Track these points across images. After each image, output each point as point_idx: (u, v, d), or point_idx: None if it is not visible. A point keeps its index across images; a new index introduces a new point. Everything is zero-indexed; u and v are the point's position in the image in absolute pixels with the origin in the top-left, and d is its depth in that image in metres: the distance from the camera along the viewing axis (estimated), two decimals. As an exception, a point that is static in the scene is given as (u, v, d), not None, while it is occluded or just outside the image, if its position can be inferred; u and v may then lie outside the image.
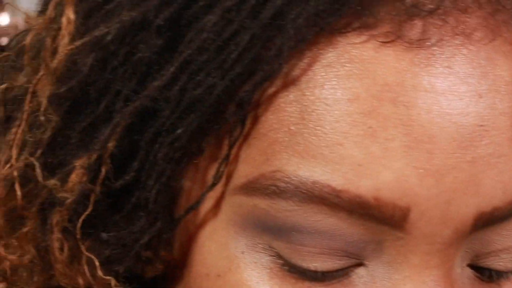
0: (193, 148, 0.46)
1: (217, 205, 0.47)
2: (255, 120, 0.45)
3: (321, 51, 0.43)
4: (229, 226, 0.47)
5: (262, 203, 0.45)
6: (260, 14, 0.43)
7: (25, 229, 0.49)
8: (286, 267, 0.45)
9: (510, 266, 0.47)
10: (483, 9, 0.44)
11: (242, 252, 0.46)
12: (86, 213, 0.46)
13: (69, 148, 0.47)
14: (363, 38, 0.43)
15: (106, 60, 0.45)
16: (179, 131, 0.45)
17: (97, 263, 0.47)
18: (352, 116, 0.43)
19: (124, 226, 0.47)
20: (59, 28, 0.46)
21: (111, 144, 0.45)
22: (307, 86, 0.44)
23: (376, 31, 0.43)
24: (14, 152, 0.48)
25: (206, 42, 0.44)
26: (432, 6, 0.43)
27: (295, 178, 0.43)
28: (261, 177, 0.44)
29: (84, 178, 0.46)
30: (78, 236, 0.47)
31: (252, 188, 0.45)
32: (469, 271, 0.47)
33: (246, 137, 0.45)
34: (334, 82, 0.43)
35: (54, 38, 0.47)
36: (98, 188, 0.46)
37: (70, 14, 0.46)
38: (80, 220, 0.46)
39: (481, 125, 0.43)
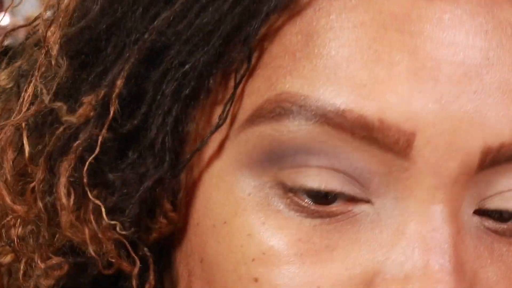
0: (200, 87, 0.46)
1: (221, 149, 0.47)
2: (261, 54, 0.45)
3: None
4: (235, 170, 0.46)
5: (267, 129, 0.44)
6: None
7: (32, 184, 0.48)
8: (293, 206, 0.45)
9: None
10: None
11: (249, 194, 0.45)
12: (94, 155, 0.46)
13: (80, 91, 0.47)
14: None
15: None
16: (187, 67, 0.45)
17: (103, 209, 0.46)
18: (357, 41, 0.43)
19: (130, 170, 0.46)
20: None
21: (119, 82, 0.46)
22: (313, 16, 0.44)
23: None
24: (25, 102, 0.48)
25: None
26: None
27: (299, 98, 0.43)
28: (266, 102, 0.44)
29: (91, 114, 0.46)
30: (85, 181, 0.46)
31: (258, 115, 0.45)
32: (476, 220, 0.45)
33: (251, 72, 0.45)
34: (340, 12, 0.44)
35: None
36: (105, 131, 0.46)
37: None
38: (87, 163, 0.46)
39: (487, 59, 0.43)
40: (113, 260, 0.47)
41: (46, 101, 0.47)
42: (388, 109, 0.42)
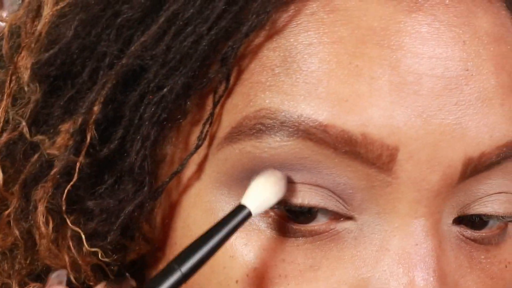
0: (178, 109, 0.46)
1: (200, 169, 0.46)
2: (238, 71, 0.45)
3: (305, 2, 0.44)
4: (214, 189, 0.46)
5: (247, 146, 0.44)
6: None
7: (7, 212, 0.47)
8: (275, 225, 0.45)
9: (497, 208, 0.46)
10: None
11: None
12: (72, 183, 0.45)
13: (54, 117, 0.46)
14: None
15: (90, 22, 0.45)
16: (165, 90, 0.45)
17: (83, 237, 0.46)
18: (337, 56, 0.43)
19: (109, 195, 0.46)
20: (41, 3, 0.47)
21: (96, 108, 0.45)
22: (291, 33, 0.44)
23: None
24: None
25: None
26: None
27: (280, 113, 0.43)
28: (245, 119, 0.44)
29: (70, 142, 0.45)
30: (64, 208, 0.46)
31: (237, 132, 0.44)
32: (455, 230, 0.46)
33: (230, 91, 0.45)
34: (318, 28, 0.44)
35: (36, 10, 0.47)
36: (82, 157, 0.45)
37: None
38: (66, 191, 0.45)
39: (466, 70, 0.44)
40: (91, 284, 0.47)
41: (26, 134, 0.46)
42: (371, 124, 0.42)
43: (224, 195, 0.46)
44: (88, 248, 0.46)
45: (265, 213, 0.45)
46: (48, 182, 0.46)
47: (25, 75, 0.47)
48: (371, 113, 0.42)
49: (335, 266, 0.44)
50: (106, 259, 0.46)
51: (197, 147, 0.45)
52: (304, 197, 0.44)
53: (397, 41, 0.43)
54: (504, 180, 0.46)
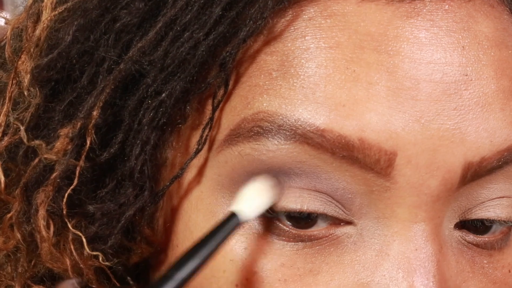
0: (177, 113, 0.46)
1: (201, 173, 0.46)
2: (236, 74, 0.45)
3: (302, 8, 0.44)
4: (215, 192, 0.46)
5: (246, 148, 0.44)
6: None
7: (9, 215, 0.48)
8: (274, 230, 0.45)
9: (500, 212, 0.46)
10: None
11: None
12: (72, 187, 0.46)
13: (54, 121, 0.47)
14: None
15: (89, 27, 0.46)
16: (163, 95, 0.45)
17: (84, 240, 0.46)
18: (334, 61, 0.43)
19: (110, 199, 0.46)
20: (40, 8, 0.47)
21: (95, 113, 0.45)
22: (288, 37, 0.44)
23: None
24: None
25: (190, 1, 0.44)
26: None
27: (278, 117, 0.43)
28: (243, 121, 0.44)
29: (69, 147, 0.45)
30: (64, 212, 0.46)
31: (236, 135, 0.44)
32: (457, 235, 0.46)
33: (228, 94, 0.45)
34: (315, 33, 0.44)
35: (37, 15, 0.47)
36: (82, 161, 0.46)
37: None
38: (66, 195, 0.46)
39: (466, 75, 0.43)
40: (93, 287, 0.48)
41: (24, 138, 0.46)
42: (368, 129, 0.42)
43: (225, 198, 0.46)
44: (89, 252, 0.46)
45: (265, 217, 0.45)
46: (49, 186, 0.46)
47: (25, 79, 0.47)
48: (369, 118, 0.42)
49: (334, 271, 0.44)
50: (108, 263, 0.47)
51: (197, 151, 0.46)
52: (303, 203, 0.44)
53: (395, 47, 0.43)
54: (506, 184, 0.45)
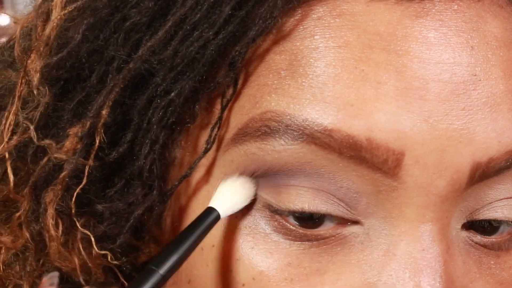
0: (186, 113, 0.46)
1: (209, 172, 0.47)
2: (245, 74, 0.45)
3: (312, 7, 0.44)
4: None
5: (252, 148, 0.44)
6: None
7: (18, 214, 0.48)
8: (281, 229, 0.45)
9: (507, 213, 0.46)
10: None
11: (236, 217, 0.45)
12: (81, 186, 0.46)
13: (63, 120, 0.47)
14: None
15: (98, 26, 0.46)
16: (172, 94, 0.45)
17: (92, 239, 0.46)
18: (343, 61, 0.43)
19: (119, 198, 0.46)
20: (50, 7, 0.47)
21: (105, 112, 0.45)
22: (297, 37, 0.44)
23: None
24: (7, 131, 0.47)
25: (199, 0, 0.45)
26: None
27: (285, 117, 0.43)
28: (251, 120, 0.44)
29: (78, 146, 0.45)
30: (73, 211, 0.46)
31: (243, 134, 0.44)
32: (464, 235, 0.46)
33: (237, 93, 0.45)
34: (324, 32, 0.44)
35: (47, 14, 0.47)
36: (91, 161, 0.46)
37: None
38: (75, 194, 0.46)
39: (474, 75, 0.43)
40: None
41: (34, 138, 0.46)
42: (376, 129, 0.42)
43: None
44: (98, 251, 0.46)
45: (271, 217, 0.45)
46: (58, 185, 0.46)
47: (35, 78, 0.47)
48: (377, 118, 0.42)
49: (341, 270, 0.44)
50: (116, 262, 0.47)
51: (206, 151, 0.46)
52: (307, 203, 0.44)
53: (404, 46, 0.43)
54: None
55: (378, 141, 0.42)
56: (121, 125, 0.46)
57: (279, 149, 0.43)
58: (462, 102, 0.43)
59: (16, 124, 0.48)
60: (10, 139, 0.48)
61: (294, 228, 0.45)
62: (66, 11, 0.46)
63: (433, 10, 0.44)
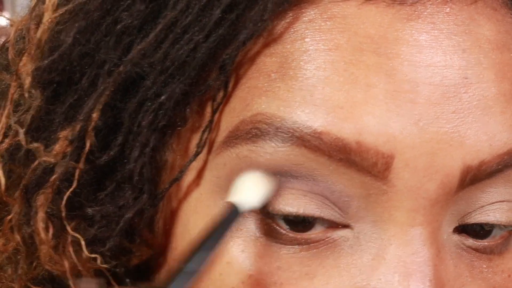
0: (177, 116, 0.46)
1: (200, 175, 0.46)
2: (236, 76, 0.45)
3: (303, 10, 0.44)
4: (214, 194, 0.46)
5: (244, 150, 0.44)
6: None
7: (9, 217, 0.48)
8: (271, 233, 0.45)
9: (499, 217, 0.45)
10: None
11: None
12: (71, 189, 0.46)
13: (55, 123, 0.47)
14: None
15: (90, 29, 0.46)
16: (163, 97, 0.45)
17: (82, 243, 0.46)
18: (333, 63, 0.43)
19: (109, 202, 0.46)
20: (42, 10, 0.48)
21: (95, 115, 0.45)
22: (288, 39, 0.44)
23: None
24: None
25: (190, 4, 0.45)
26: None
27: (276, 119, 0.43)
28: (242, 123, 0.44)
29: (68, 149, 0.45)
30: (64, 215, 0.46)
31: (234, 136, 0.44)
32: (456, 239, 0.45)
33: (228, 95, 0.45)
34: (315, 35, 0.44)
35: (40, 16, 0.47)
36: (82, 164, 0.46)
37: None
38: (65, 197, 0.46)
39: (466, 78, 0.43)
40: None
41: (22, 141, 0.46)
42: (366, 132, 0.42)
43: (224, 200, 0.45)
44: (88, 254, 0.46)
45: (262, 220, 0.44)
46: (49, 188, 0.46)
47: (26, 81, 0.47)
48: (367, 121, 0.42)
49: (331, 274, 0.44)
50: (106, 265, 0.47)
51: (197, 154, 0.46)
52: (300, 206, 0.44)
53: (394, 49, 0.43)
54: (506, 188, 0.45)
55: (368, 144, 0.42)
56: (112, 128, 0.46)
57: (270, 151, 0.43)
58: (453, 105, 0.43)
59: (9, 127, 0.48)
60: (1, 142, 0.48)
61: (284, 232, 0.44)
62: (57, 14, 0.46)
63: (425, 13, 0.44)
